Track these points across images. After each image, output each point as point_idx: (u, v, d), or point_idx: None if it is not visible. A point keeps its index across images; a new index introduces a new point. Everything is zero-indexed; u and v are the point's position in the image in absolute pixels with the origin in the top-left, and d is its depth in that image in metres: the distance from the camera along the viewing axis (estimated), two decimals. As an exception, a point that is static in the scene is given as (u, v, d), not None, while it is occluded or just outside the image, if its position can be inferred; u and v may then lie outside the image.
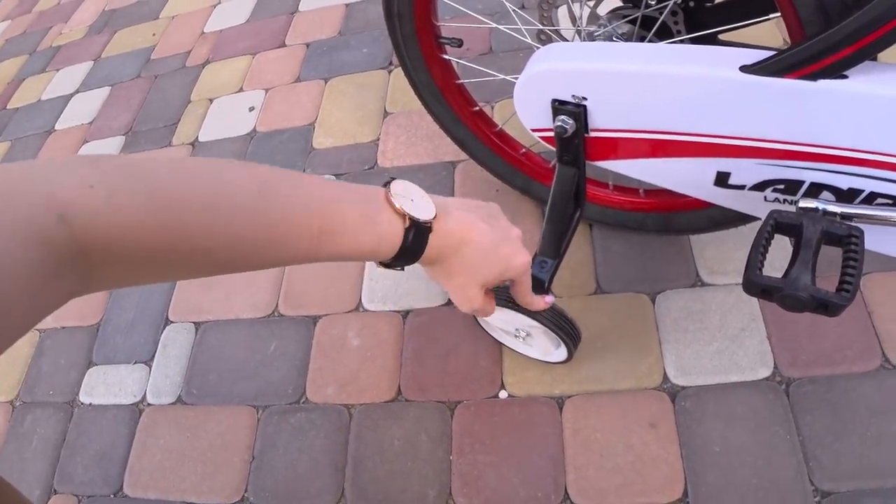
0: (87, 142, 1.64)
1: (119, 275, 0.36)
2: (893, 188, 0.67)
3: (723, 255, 1.00)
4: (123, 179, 0.35)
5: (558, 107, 0.76)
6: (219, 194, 0.39)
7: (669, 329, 0.96)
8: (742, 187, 0.76)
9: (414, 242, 0.50)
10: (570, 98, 0.75)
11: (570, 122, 0.76)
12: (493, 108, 1.28)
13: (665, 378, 0.92)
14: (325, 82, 1.53)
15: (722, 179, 0.76)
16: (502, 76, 0.94)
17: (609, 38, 0.87)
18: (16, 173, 0.31)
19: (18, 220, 0.29)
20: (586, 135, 0.78)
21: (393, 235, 0.48)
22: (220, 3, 1.96)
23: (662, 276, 1.01)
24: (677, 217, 0.96)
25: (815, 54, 0.61)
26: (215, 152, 1.46)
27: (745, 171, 0.74)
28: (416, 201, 0.50)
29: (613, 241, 1.07)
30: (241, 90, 1.60)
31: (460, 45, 0.94)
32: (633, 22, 0.85)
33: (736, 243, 1.00)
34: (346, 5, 1.73)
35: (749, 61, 0.65)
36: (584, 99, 0.75)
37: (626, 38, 0.86)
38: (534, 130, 0.82)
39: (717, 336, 0.94)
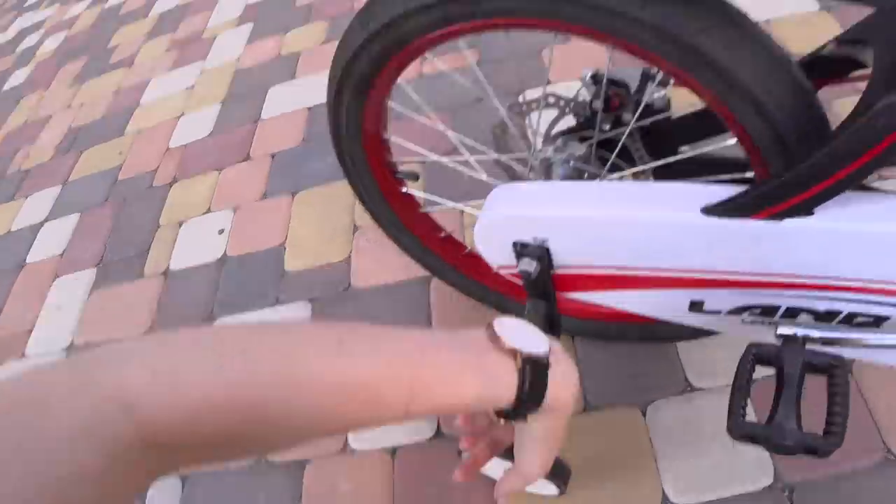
0: (58, 276, 1.60)
1: (197, 456, 0.34)
2: (871, 308, 0.66)
3: (710, 355, 0.98)
4: (188, 359, 0.33)
5: (520, 250, 0.74)
6: (292, 360, 0.36)
7: (663, 443, 0.92)
8: (718, 312, 0.74)
9: (533, 384, 0.43)
10: (532, 240, 0.74)
11: (534, 263, 0.74)
12: (462, 213, 1.26)
13: (664, 498, 0.88)
14: (293, 196, 1.51)
15: (696, 306, 0.75)
16: (462, 206, 0.93)
17: (567, 163, 0.86)
18: (86, 365, 0.31)
19: (86, 417, 0.29)
20: (553, 271, 0.76)
21: (503, 377, 0.43)
22: (183, 114, 1.96)
23: (651, 385, 0.98)
24: (659, 327, 0.94)
25: (778, 195, 0.59)
26: (188, 283, 1.42)
27: (719, 299, 0.72)
28: (524, 336, 0.45)
29: (597, 350, 1.04)
30: (209, 211, 1.58)
31: (417, 179, 0.93)
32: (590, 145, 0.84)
33: (722, 342, 0.98)
34: (309, 109, 1.74)
35: (712, 200, 0.64)
36: (546, 240, 0.73)
37: (584, 160, 0.85)
38: (500, 268, 0.81)
39: (714, 445, 0.90)
